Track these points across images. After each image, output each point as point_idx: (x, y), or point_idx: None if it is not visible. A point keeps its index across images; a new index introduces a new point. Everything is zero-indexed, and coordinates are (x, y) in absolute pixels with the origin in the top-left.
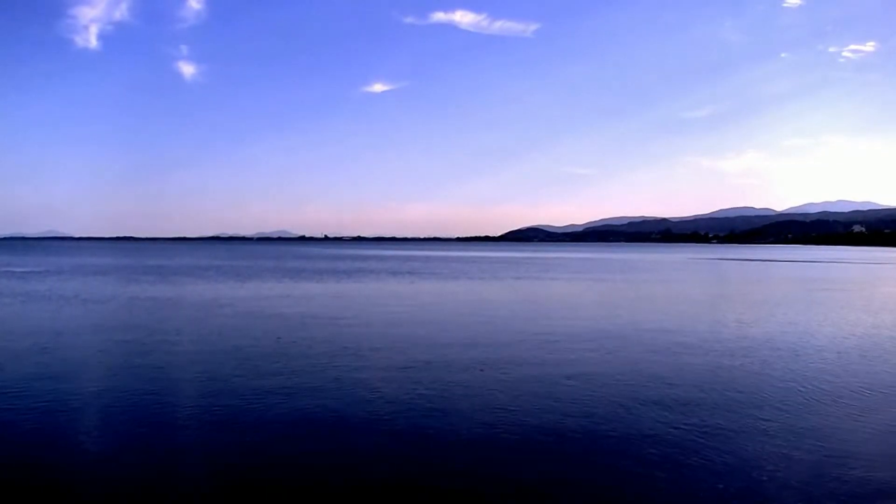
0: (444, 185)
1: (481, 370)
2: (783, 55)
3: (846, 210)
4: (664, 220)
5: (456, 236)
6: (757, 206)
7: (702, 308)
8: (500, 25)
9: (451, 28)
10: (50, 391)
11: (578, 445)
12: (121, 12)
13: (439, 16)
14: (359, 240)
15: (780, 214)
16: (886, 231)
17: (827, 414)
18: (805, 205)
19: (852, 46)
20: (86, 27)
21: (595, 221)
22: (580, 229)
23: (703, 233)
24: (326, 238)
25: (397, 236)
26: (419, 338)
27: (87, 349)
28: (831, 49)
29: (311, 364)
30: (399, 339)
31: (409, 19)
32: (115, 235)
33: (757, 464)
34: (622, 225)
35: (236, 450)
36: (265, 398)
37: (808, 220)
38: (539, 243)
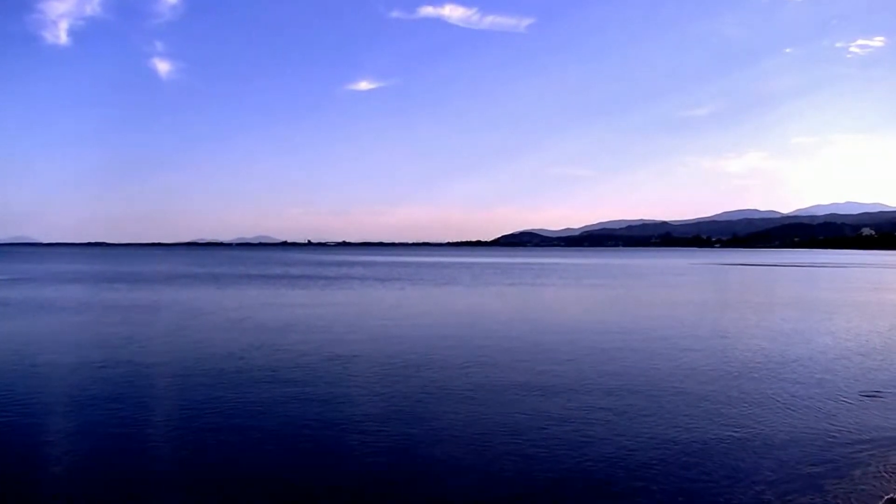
0: (433, 188)
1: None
2: (787, 51)
3: (855, 212)
4: (664, 223)
5: (447, 241)
6: (761, 209)
7: (703, 316)
8: (492, 20)
9: (440, 23)
10: (22, 402)
11: (569, 456)
12: (92, 7)
13: (427, 10)
14: (344, 245)
15: (786, 217)
16: None
17: (835, 421)
18: (812, 207)
19: (860, 41)
20: (55, 23)
21: (592, 225)
22: (577, 233)
23: (705, 236)
24: (310, 243)
25: (385, 241)
26: (406, 347)
27: (61, 359)
28: (838, 44)
29: (291, 375)
30: (386, 348)
31: (395, 14)
32: (86, 241)
33: (760, 477)
34: (621, 229)
35: (215, 462)
36: (245, 409)
37: (815, 223)
38: (534, 248)
